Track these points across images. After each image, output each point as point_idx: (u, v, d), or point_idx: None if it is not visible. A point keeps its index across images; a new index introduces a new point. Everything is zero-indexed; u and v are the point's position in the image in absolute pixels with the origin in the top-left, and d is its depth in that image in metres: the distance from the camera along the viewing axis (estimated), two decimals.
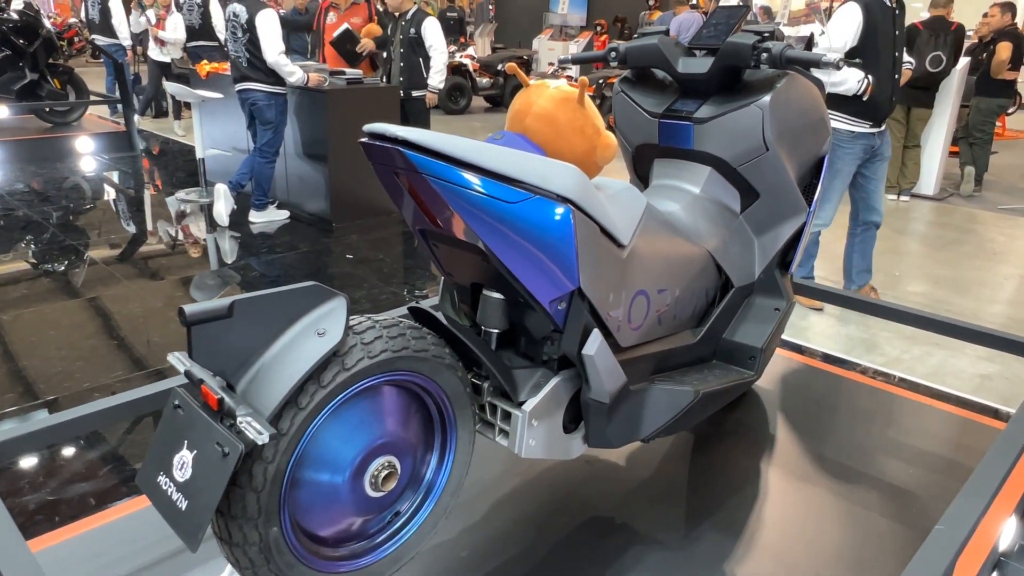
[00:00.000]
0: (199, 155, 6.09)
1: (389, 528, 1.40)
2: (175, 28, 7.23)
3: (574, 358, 1.46)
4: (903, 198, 6.53)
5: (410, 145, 1.22)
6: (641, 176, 2.10)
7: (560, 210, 1.31)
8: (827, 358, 2.61)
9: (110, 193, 6.24)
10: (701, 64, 1.83)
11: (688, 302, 1.79)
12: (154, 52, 7.40)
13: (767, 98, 1.77)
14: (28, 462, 2.51)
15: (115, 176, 6.83)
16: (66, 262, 4.45)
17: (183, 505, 1.10)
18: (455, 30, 13.21)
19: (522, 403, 1.46)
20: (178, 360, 1.18)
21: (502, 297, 1.49)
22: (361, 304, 3.95)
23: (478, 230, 1.29)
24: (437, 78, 5.40)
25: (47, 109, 8.07)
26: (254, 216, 5.43)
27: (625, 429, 1.63)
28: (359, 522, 1.36)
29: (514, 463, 1.98)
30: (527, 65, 12.57)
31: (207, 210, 5.69)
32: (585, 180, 1.37)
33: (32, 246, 4.71)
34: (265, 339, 1.17)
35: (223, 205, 5.19)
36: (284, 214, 5.57)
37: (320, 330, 1.18)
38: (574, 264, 1.36)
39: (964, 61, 6.78)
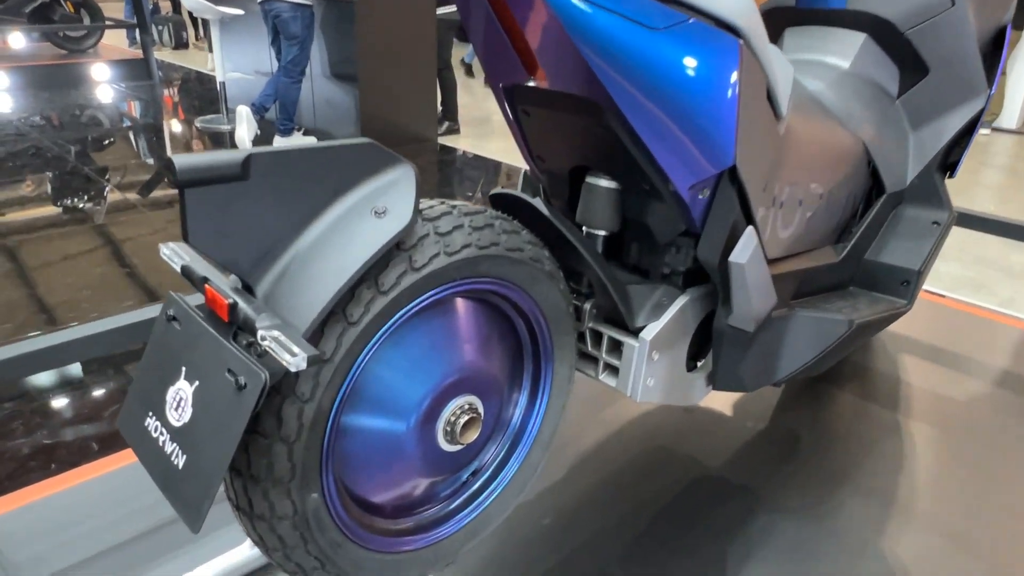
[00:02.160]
0: (219, 78, 5.68)
1: (464, 491, 1.05)
2: None
3: (713, 270, 1.07)
4: (983, 131, 5.96)
5: None
6: None
7: (725, 44, 0.90)
8: (942, 296, 2.20)
9: (127, 120, 5.88)
10: None
11: (837, 206, 1.38)
12: None
13: None
14: None
15: (133, 103, 6.46)
16: (79, 189, 4.12)
17: (180, 461, 0.74)
18: None
19: (639, 330, 1.09)
20: (173, 252, 0.81)
21: (615, 185, 1.10)
22: None
23: (602, 74, 0.88)
24: None
25: (61, 34, 7.69)
26: (279, 142, 5.04)
27: (763, 367, 1.25)
28: (426, 484, 1.00)
29: (595, 410, 1.62)
30: None
31: (229, 136, 5.31)
32: (756, 8, 0.95)
33: (46, 173, 4.38)
34: (298, 217, 0.79)
35: (245, 130, 4.80)
36: (311, 141, 5.18)
37: (379, 208, 0.79)
38: (732, 130, 0.96)
39: None
